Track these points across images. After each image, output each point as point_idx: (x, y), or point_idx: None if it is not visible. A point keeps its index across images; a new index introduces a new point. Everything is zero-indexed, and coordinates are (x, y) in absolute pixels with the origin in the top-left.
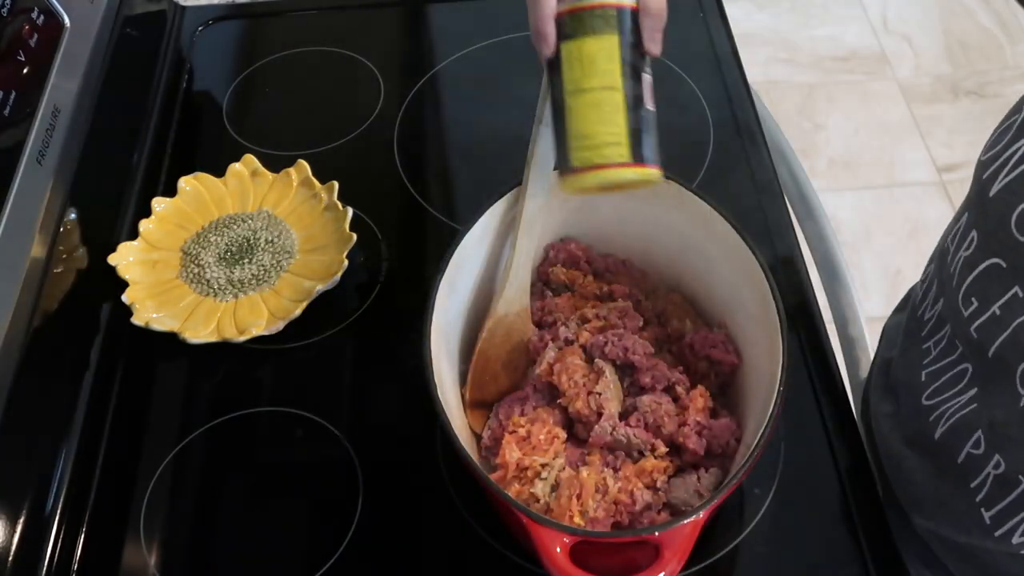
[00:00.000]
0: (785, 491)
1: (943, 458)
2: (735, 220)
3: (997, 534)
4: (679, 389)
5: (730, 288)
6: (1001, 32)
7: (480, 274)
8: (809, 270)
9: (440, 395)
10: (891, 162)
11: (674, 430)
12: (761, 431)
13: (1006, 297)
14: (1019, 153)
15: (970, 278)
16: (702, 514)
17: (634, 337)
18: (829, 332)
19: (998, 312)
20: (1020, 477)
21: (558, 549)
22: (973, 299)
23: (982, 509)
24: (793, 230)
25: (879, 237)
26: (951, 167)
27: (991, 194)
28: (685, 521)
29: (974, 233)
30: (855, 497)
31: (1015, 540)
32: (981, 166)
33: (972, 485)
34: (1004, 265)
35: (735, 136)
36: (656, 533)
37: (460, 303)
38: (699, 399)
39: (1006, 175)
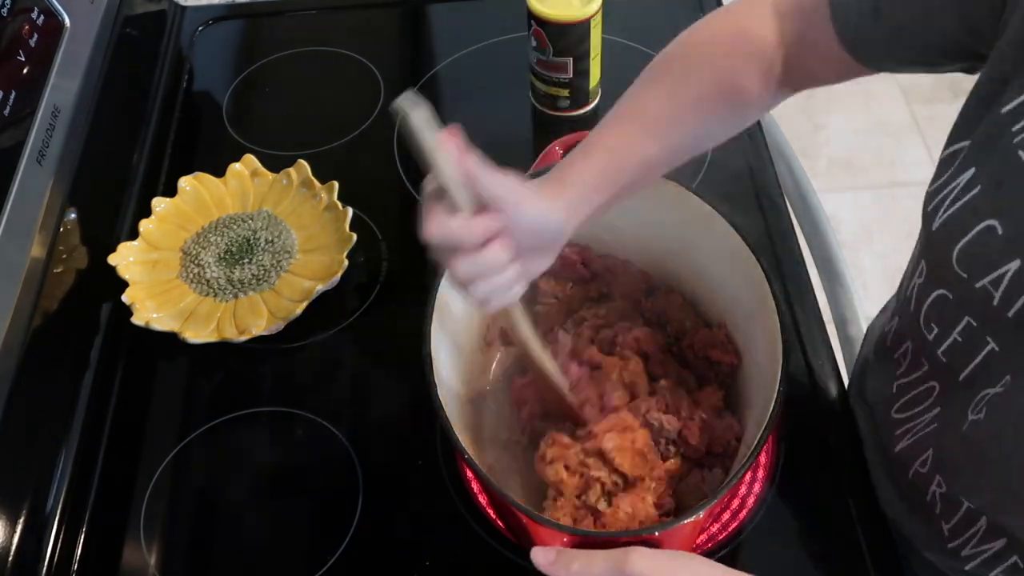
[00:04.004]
0: (785, 491)
1: (896, 472)
2: (735, 221)
3: (950, 546)
4: (691, 383)
5: (730, 288)
6: None
7: None
8: (809, 270)
9: (440, 395)
10: (891, 162)
11: (680, 424)
12: (761, 431)
13: (961, 326)
14: (959, 188)
15: (925, 305)
16: (702, 514)
17: (644, 328)
18: (829, 332)
19: (959, 339)
20: (961, 498)
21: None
22: (933, 325)
23: (941, 521)
24: (793, 230)
25: (879, 237)
26: None
27: (933, 228)
28: (685, 521)
29: (923, 263)
30: (855, 497)
31: (964, 552)
32: (928, 197)
33: (927, 499)
34: (951, 297)
35: (735, 136)
36: (656, 533)
37: (461, 303)
38: (712, 396)
39: (946, 210)
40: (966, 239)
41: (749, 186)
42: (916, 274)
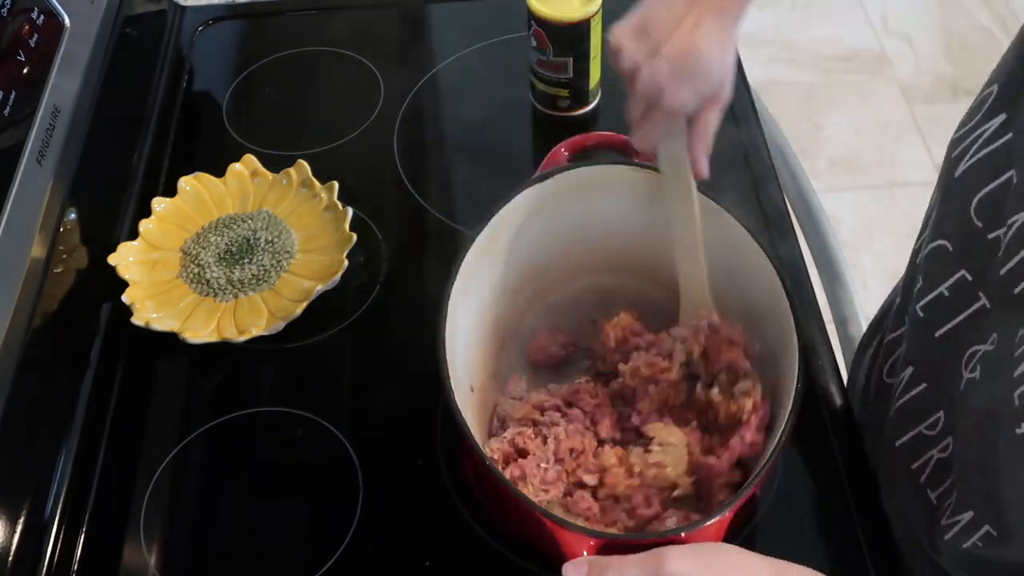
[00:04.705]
0: (785, 491)
1: (887, 435)
2: (738, 220)
3: (934, 516)
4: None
5: (739, 290)
6: (1001, 32)
7: (494, 274)
8: (809, 270)
9: (452, 386)
10: (891, 162)
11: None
12: (781, 429)
13: (952, 280)
14: (986, 135)
15: (921, 256)
16: (728, 512)
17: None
18: (829, 332)
19: (946, 294)
20: (950, 463)
21: (584, 553)
22: (920, 278)
23: (927, 490)
24: (793, 230)
25: (879, 237)
26: None
27: (956, 174)
28: (710, 522)
29: (935, 212)
30: (855, 497)
31: (944, 522)
32: (952, 144)
33: (913, 467)
34: (950, 248)
35: (735, 136)
36: (682, 534)
37: (471, 307)
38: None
39: (971, 156)
40: (987, 189)
41: (749, 186)
42: (928, 226)
